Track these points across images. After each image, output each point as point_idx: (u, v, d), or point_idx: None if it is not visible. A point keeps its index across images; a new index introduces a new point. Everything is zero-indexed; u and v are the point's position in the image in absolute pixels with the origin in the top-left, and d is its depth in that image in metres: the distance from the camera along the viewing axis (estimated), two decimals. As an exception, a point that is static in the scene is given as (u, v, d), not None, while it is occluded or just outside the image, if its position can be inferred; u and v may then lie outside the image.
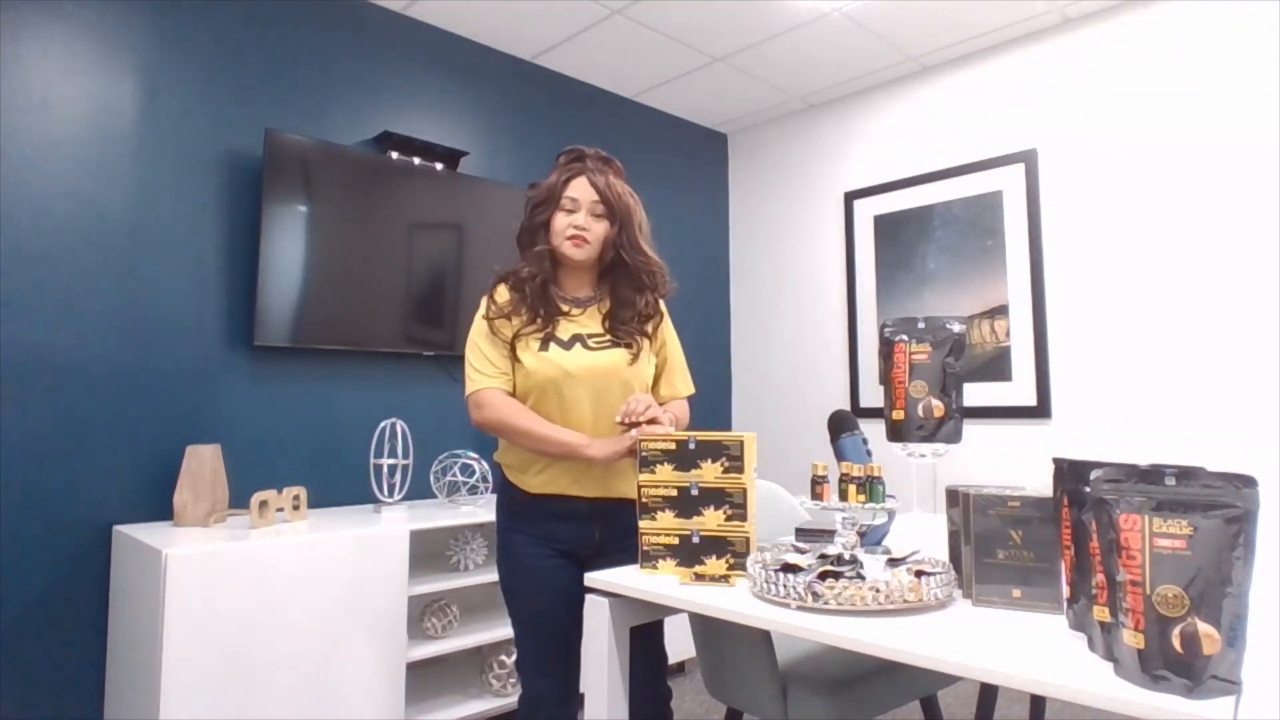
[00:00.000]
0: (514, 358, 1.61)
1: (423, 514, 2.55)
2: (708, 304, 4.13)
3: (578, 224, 1.61)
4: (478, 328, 1.66)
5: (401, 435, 2.70)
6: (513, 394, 1.63)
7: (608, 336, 1.65)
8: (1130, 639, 0.86)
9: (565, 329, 1.63)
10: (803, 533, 1.52)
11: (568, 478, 1.60)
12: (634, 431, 1.49)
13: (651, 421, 1.50)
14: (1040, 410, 3.10)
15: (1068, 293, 3.07)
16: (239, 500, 2.37)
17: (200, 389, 2.48)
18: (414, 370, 2.97)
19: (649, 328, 1.69)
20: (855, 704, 1.55)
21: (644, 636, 1.51)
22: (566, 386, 1.58)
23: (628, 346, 1.64)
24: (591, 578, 1.40)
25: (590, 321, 1.66)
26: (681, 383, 1.78)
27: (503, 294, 1.66)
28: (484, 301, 1.68)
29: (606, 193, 1.63)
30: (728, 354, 4.21)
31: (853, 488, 1.39)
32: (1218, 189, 2.74)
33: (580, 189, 1.63)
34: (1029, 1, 2.97)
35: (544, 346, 1.60)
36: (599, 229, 1.63)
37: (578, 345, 1.61)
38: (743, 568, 1.33)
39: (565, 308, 1.65)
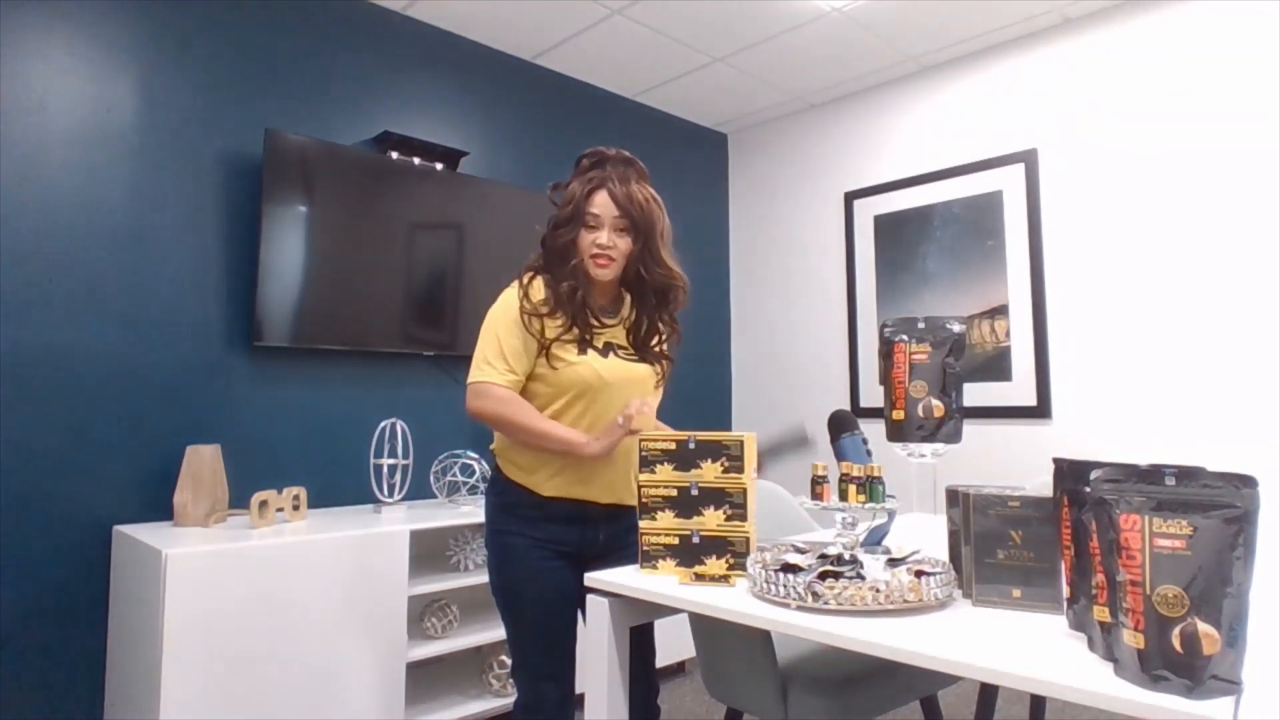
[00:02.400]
0: (547, 358, 1.57)
1: (423, 514, 2.55)
2: (708, 304, 4.13)
3: (601, 243, 1.59)
4: (507, 314, 1.58)
5: (401, 435, 2.70)
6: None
7: (634, 351, 1.67)
8: (1130, 639, 0.86)
9: (598, 338, 1.62)
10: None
11: (580, 486, 1.59)
12: (620, 419, 1.50)
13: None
14: (1040, 410, 3.10)
15: (1068, 293, 3.07)
16: (239, 500, 2.37)
17: (200, 389, 2.47)
18: (414, 370, 2.97)
19: (669, 349, 1.71)
20: (855, 704, 1.55)
21: (636, 632, 1.51)
22: (601, 393, 1.58)
23: (655, 369, 1.68)
24: (591, 578, 1.40)
25: (618, 334, 1.67)
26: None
27: (539, 290, 1.59)
28: (516, 289, 1.60)
29: (628, 206, 1.59)
30: (728, 354, 4.21)
31: (853, 488, 1.39)
32: (1218, 189, 2.74)
33: (601, 204, 1.59)
34: (1029, 1, 2.97)
35: (582, 351, 1.59)
36: (624, 245, 1.61)
37: (612, 354, 1.62)
38: (743, 568, 1.33)
39: (596, 318, 1.62)
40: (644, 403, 1.54)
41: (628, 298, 1.71)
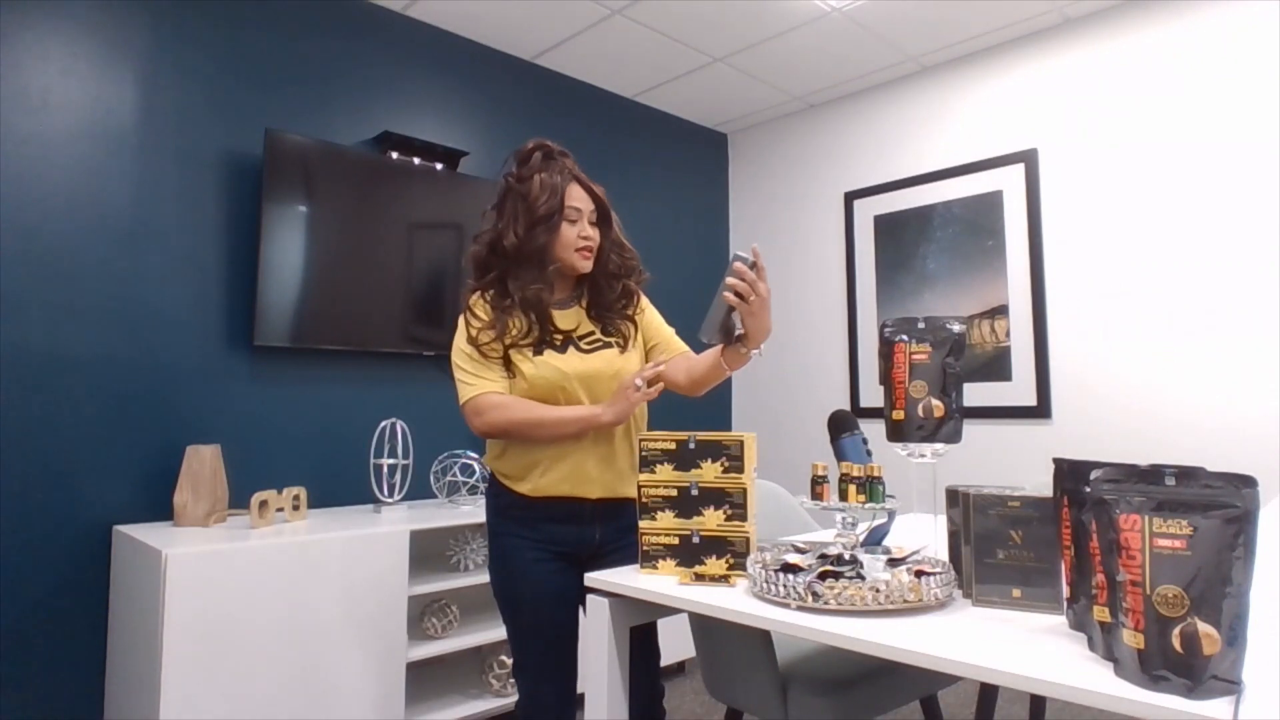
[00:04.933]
0: (509, 369, 1.60)
1: (423, 514, 2.55)
2: (707, 304, 4.12)
3: (586, 235, 1.61)
4: (462, 343, 1.61)
5: (401, 435, 2.70)
6: None
7: (596, 333, 1.66)
8: (1130, 639, 0.86)
9: (556, 333, 1.62)
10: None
11: (570, 482, 1.59)
12: (638, 381, 1.52)
13: (656, 379, 1.56)
14: (1040, 410, 3.10)
15: (1068, 293, 3.07)
16: (239, 500, 2.37)
17: (200, 389, 2.48)
18: (414, 370, 2.97)
19: (631, 312, 1.70)
20: (855, 704, 1.55)
21: (639, 635, 1.51)
22: (568, 388, 1.59)
23: (617, 342, 1.66)
24: (591, 578, 1.40)
25: (576, 319, 1.66)
26: (677, 346, 1.76)
27: (484, 310, 1.61)
28: (463, 321, 1.62)
29: (602, 197, 1.64)
30: (728, 354, 4.20)
31: (853, 488, 1.39)
32: (1218, 189, 2.74)
33: (580, 197, 1.61)
34: (1029, 1, 2.97)
35: (538, 351, 1.59)
36: (597, 236, 1.64)
37: (571, 348, 1.62)
38: (743, 568, 1.33)
39: (553, 321, 1.63)
40: (657, 365, 1.57)
41: (585, 283, 1.70)
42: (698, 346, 1.65)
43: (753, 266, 1.40)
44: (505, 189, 1.63)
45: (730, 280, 1.41)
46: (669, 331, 1.76)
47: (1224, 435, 2.67)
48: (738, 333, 1.51)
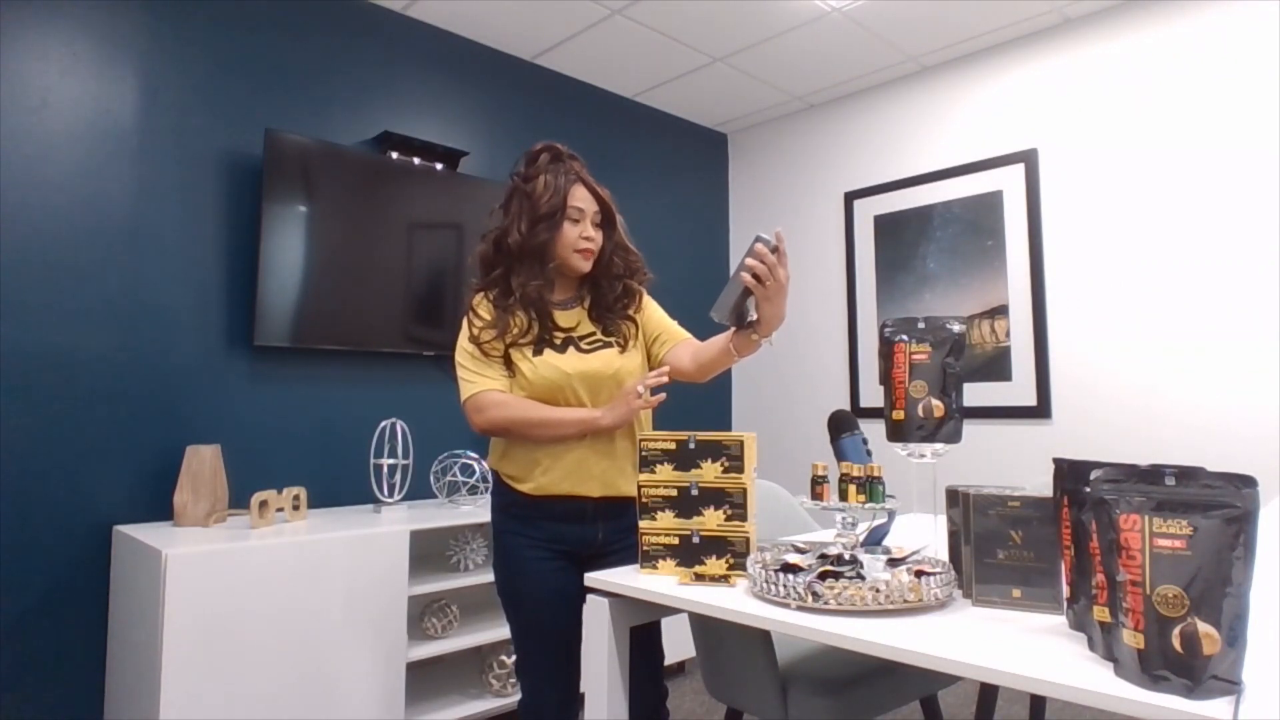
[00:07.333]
0: (510, 368, 1.61)
1: (423, 514, 2.55)
2: (707, 304, 4.12)
3: (587, 235, 1.62)
4: (466, 341, 1.63)
5: (401, 435, 2.70)
6: None
7: (597, 333, 1.66)
8: (1130, 639, 0.86)
9: (556, 332, 1.63)
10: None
11: (571, 480, 1.59)
12: (640, 387, 1.51)
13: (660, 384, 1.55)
14: (1040, 410, 3.10)
15: (1068, 293, 3.07)
16: (239, 500, 2.37)
17: (200, 389, 2.48)
18: (414, 370, 2.97)
19: (631, 311, 1.70)
20: (855, 704, 1.55)
21: (642, 636, 1.51)
22: (567, 388, 1.59)
23: (617, 342, 1.66)
24: (591, 578, 1.40)
25: (577, 319, 1.67)
26: (680, 334, 1.75)
27: (487, 310, 1.63)
28: (466, 321, 1.64)
29: (606, 200, 1.65)
30: (728, 354, 4.20)
31: (853, 488, 1.39)
32: (1218, 189, 2.74)
33: (583, 198, 1.62)
34: (1029, 1, 2.97)
35: (538, 351, 1.60)
36: (599, 238, 1.65)
37: (571, 348, 1.62)
38: (743, 568, 1.33)
39: (553, 319, 1.64)
40: (660, 374, 1.56)
41: (587, 284, 1.71)
42: (703, 335, 1.65)
43: (774, 250, 1.36)
44: (512, 188, 1.66)
45: (749, 261, 1.36)
46: (671, 322, 1.75)
47: (1224, 435, 2.67)
48: (750, 318, 1.48)
